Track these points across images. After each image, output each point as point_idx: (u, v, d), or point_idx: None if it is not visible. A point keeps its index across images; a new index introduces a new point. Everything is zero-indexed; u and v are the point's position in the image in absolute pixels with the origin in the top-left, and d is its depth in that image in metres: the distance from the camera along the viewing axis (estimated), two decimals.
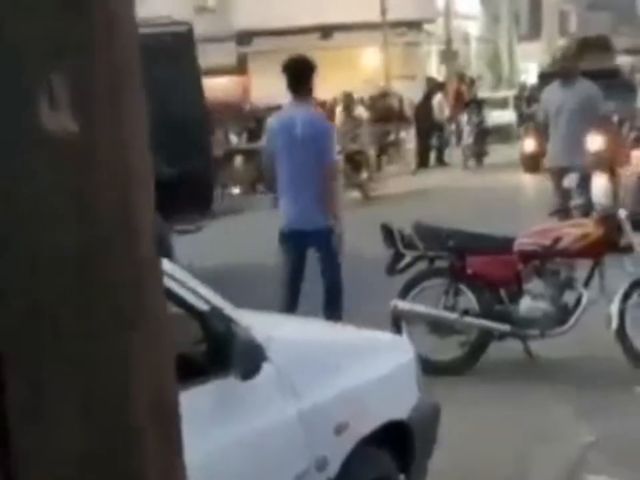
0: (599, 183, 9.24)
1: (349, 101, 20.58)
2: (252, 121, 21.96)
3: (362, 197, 18.12)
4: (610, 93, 19.33)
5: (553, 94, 10.35)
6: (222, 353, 3.07)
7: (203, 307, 3.10)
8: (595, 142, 10.23)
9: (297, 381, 3.45)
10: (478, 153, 23.39)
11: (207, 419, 2.98)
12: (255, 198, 18.96)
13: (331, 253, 7.13)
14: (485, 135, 23.97)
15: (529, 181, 18.41)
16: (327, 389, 3.58)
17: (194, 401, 2.76)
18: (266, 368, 3.19)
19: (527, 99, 26.73)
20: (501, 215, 12.12)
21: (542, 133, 10.80)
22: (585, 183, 9.17)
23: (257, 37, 34.94)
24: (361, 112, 21.78)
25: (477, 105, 24.76)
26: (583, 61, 18.41)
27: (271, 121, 7.60)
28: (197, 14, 35.58)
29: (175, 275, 3.01)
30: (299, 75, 7.18)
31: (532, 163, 17.87)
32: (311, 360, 3.63)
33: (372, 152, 19.87)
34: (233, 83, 32.61)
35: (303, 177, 6.99)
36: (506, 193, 16.92)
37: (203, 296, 3.12)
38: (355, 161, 18.47)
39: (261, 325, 3.35)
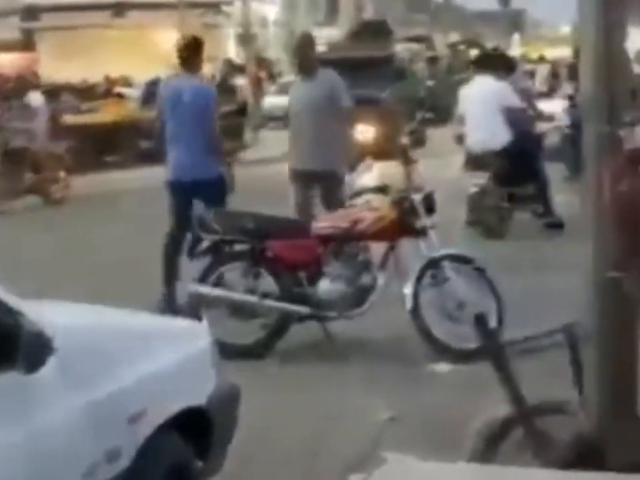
0: (391, 169, 9.26)
1: (20, 86, 17.28)
2: None
3: (43, 201, 15.42)
4: (381, 80, 19.57)
5: (295, 89, 9.22)
6: (5, 347, 2.92)
7: None
8: (367, 131, 9.80)
9: (84, 372, 3.34)
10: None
11: None
12: None
13: (220, 202, 7.94)
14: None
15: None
16: (119, 378, 3.49)
17: None
18: (51, 360, 3.06)
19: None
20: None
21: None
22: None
23: (45, 13, 33.68)
24: (36, 98, 16.76)
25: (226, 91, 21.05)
26: (356, 48, 18.45)
27: (161, 88, 8.75)
28: None
29: None
30: (188, 51, 8.38)
31: None
32: (101, 349, 3.52)
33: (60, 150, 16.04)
34: (19, 59, 31.14)
35: (190, 134, 8.07)
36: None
37: None
38: (15, 161, 15.32)
39: (47, 314, 3.23)
